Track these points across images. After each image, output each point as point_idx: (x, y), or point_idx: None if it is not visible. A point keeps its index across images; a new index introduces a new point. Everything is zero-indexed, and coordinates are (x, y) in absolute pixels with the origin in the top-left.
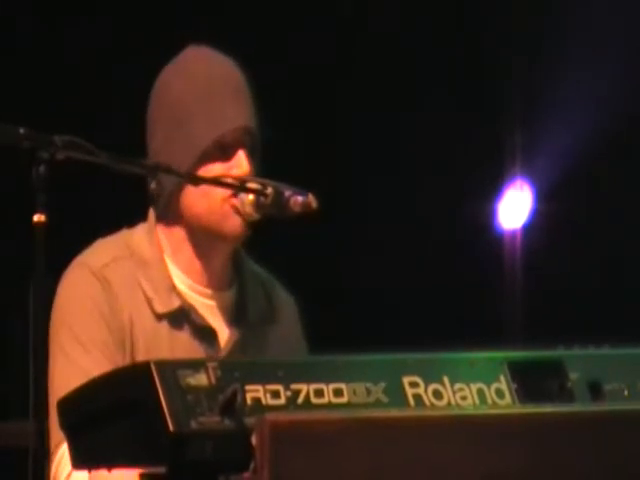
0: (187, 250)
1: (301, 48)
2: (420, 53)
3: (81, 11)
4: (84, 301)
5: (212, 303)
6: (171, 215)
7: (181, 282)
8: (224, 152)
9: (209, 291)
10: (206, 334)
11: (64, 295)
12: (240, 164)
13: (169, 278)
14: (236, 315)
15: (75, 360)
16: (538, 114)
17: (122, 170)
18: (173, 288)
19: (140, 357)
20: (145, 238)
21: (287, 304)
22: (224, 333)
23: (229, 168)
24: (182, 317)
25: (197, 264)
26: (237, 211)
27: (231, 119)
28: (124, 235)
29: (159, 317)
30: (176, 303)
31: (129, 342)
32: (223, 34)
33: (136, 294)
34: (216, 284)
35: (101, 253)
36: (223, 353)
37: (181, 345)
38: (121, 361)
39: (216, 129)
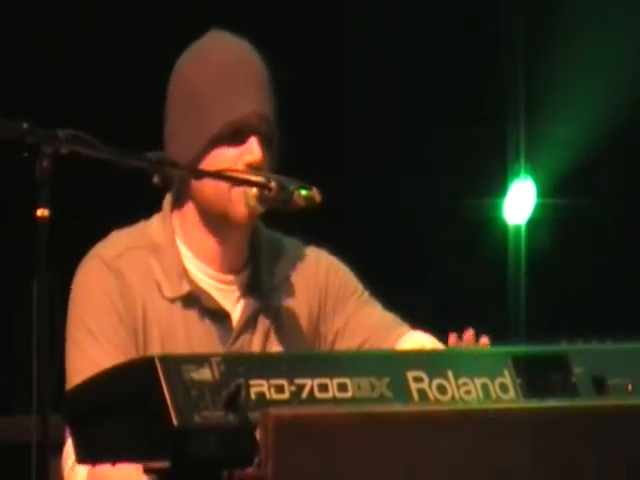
0: (200, 234)
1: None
2: (426, 52)
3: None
4: (96, 293)
5: (225, 286)
6: (184, 199)
7: (193, 266)
8: (237, 138)
9: (222, 274)
10: (218, 316)
11: (77, 288)
12: (252, 150)
13: (181, 263)
14: (250, 295)
15: (86, 352)
16: (542, 109)
17: (126, 164)
18: (184, 273)
19: (154, 344)
20: (160, 225)
21: (312, 268)
22: (237, 314)
23: (241, 154)
24: (193, 301)
25: (210, 248)
26: (243, 200)
27: (245, 104)
28: (140, 226)
29: (172, 300)
30: (185, 288)
31: (142, 332)
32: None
33: (149, 280)
34: (230, 267)
35: (114, 244)
36: (235, 333)
37: (196, 327)
38: (134, 351)
39: (229, 114)
